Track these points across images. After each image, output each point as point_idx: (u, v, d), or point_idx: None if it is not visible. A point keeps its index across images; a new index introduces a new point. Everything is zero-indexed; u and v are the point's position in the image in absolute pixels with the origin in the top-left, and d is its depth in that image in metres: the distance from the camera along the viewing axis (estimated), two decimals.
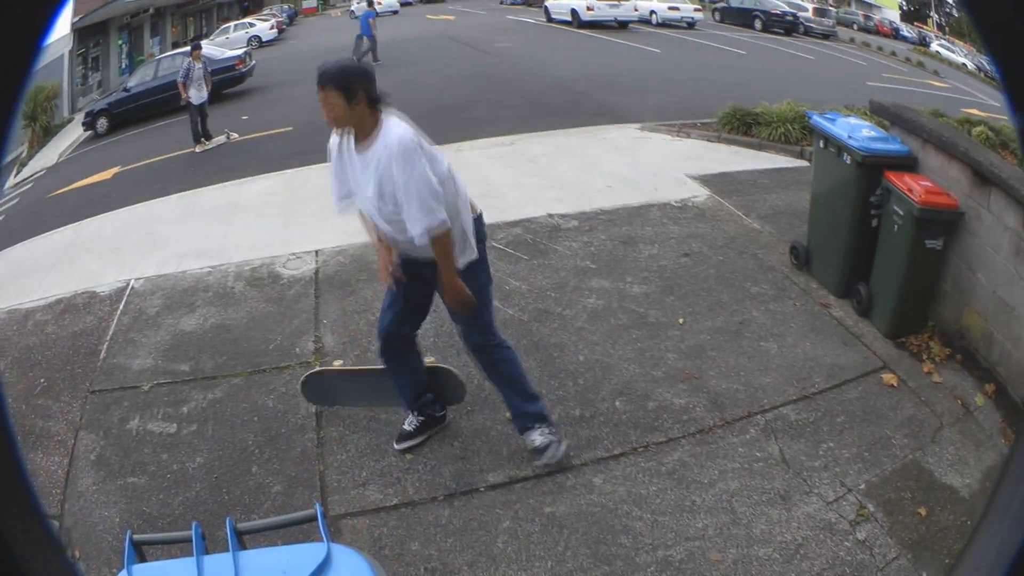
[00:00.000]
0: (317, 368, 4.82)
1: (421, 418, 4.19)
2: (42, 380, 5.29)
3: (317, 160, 9.44)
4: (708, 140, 10.21)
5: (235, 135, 13.66)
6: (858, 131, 5.41)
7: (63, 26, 20.33)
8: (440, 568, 3.48)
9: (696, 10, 26.99)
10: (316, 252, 6.88)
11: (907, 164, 5.27)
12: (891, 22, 28.84)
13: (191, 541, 2.10)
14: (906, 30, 28.33)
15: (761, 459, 4.06)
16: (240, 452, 4.33)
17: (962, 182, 4.89)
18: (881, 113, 5.94)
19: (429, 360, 4.47)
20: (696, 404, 4.50)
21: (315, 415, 4.56)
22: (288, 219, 8.09)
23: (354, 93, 3.32)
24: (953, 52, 25.87)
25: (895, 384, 4.67)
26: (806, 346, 5.07)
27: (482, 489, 3.91)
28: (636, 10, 25.57)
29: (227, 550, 2.10)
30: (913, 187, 4.91)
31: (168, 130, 15.58)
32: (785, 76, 17.46)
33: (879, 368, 4.84)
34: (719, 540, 3.55)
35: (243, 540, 2.21)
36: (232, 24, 27.63)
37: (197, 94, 13.29)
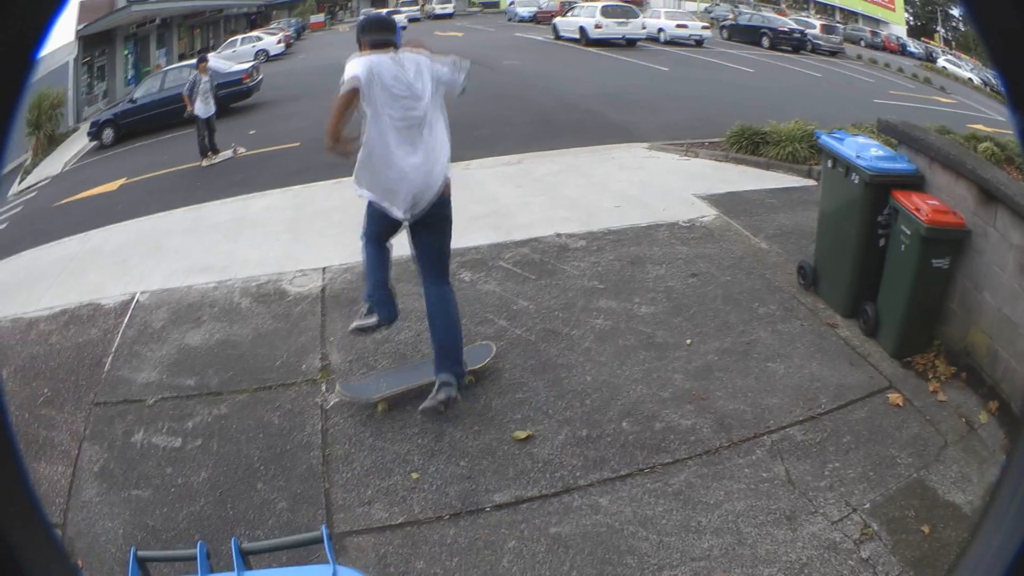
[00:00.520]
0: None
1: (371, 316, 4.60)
2: (46, 390, 5.31)
3: (325, 176, 9.56)
4: (716, 159, 10.19)
5: (242, 150, 13.64)
6: (866, 151, 5.41)
7: (67, 33, 20.45)
8: None
9: (704, 28, 27.04)
10: (323, 269, 6.88)
11: (915, 183, 5.26)
12: (898, 38, 28.90)
13: (195, 560, 2.09)
14: (913, 46, 28.39)
15: (767, 480, 4.04)
16: (245, 468, 4.33)
17: (969, 200, 4.89)
18: (889, 132, 5.94)
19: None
20: (703, 425, 4.49)
21: (321, 432, 4.56)
22: (295, 236, 8.10)
23: (360, 45, 4.38)
24: (959, 67, 25.93)
25: (901, 404, 4.66)
26: (813, 366, 5.05)
27: (488, 508, 3.90)
28: (644, 28, 25.67)
29: (231, 569, 2.09)
30: (920, 206, 4.91)
31: (174, 143, 15.66)
32: (793, 94, 17.47)
33: (885, 388, 4.83)
34: (724, 560, 3.54)
35: (248, 560, 2.20)
36: (239, 37, 27.76)
37: (203, 107, 13.29)
